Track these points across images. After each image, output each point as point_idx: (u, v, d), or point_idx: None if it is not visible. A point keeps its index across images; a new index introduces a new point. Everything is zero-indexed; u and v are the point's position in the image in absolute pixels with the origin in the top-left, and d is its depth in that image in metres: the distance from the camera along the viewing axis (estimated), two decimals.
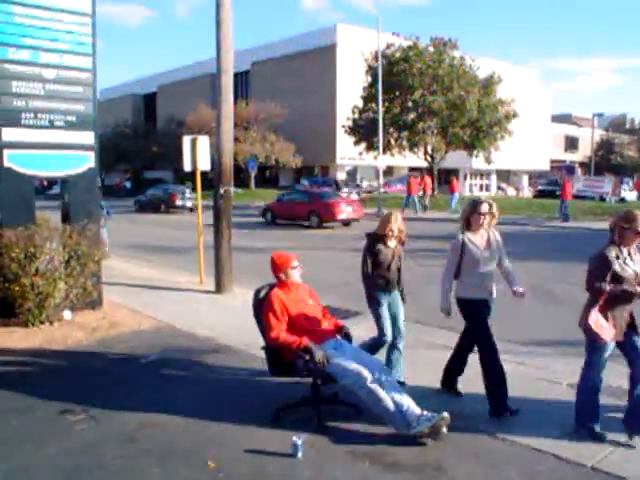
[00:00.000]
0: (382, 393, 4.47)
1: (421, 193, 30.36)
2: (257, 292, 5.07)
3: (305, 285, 5.22)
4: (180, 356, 6.55)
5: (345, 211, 23.05)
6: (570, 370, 5.63)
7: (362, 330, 7.18)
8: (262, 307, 4.92)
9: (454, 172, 54.85)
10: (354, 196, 30.35)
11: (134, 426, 4.72)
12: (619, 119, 78.61)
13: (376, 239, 5.63)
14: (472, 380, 5.41)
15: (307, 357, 4.57)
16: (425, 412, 4.44)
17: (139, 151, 54.93)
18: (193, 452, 4.29)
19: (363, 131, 37.84)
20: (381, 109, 32.18)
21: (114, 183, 45.20)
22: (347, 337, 5.10)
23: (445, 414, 4.40)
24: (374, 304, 5.61)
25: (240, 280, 10.07)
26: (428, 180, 31.59)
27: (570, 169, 55.63)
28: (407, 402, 4.48)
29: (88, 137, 8.38)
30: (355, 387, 4.56)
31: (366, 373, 4.52)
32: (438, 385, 5.50)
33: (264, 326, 4.86)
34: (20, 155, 7.75)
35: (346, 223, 23.45)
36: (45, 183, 37.47)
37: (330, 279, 10.83)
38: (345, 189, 33.23)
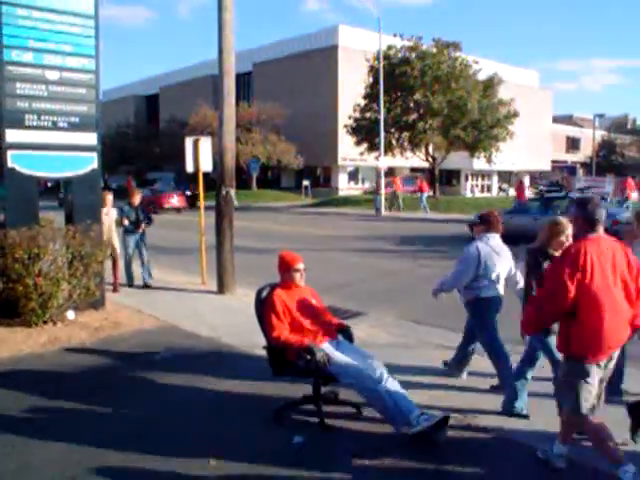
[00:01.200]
0: (382, 393, 4.50)
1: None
2: (259, 292, 5.10)
3: (307, 286, 5.26)
4: (183, 356, 6.59)
5: (170, 202, 33.28)
6: None
7: (362, 331, 7.25)
8: (264, 307, 4.96)
9: (455, 173, 54.99)
10: (188, 192, 36.10)
11: (137, 425, 4.76)
12: (621, 120, 78.52)
13: (542, 255, 4.76)
14: (477, 381, 5.46)
15: (309, 357, 4.61)
16: (425, 412, 4.48)
17: (142, 152, 54.96)
18: (194, 451, 4.32)
19: (365, 131, 37.93)
20: (382, 110, 32.26)
21: (125, 183, 44.65)
22: (349, 337, 5.15)
23: (445, 414, 4.44)
24: (542, 333, 4.63)
25: (240, 280, 10.11)
26: (398, 181, 34.30)
27: (571, 170, 55.62)
28: (407, 402, 4.51)
29: (91, 138, 8.42)
30: (356, 387, 4.60)
31: (367, 373, 4.56)
32: (439, 383, 5.54)
33: (266, 326, 4.89)
34: (24, 156, 7.80)
35: (178, 210, 32.70)
36: None
37: (331, 279, 10.88)
38: (181, 187, 38.37)
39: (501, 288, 5.57)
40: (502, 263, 5.53)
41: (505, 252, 5.61)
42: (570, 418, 3.95)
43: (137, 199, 10.69)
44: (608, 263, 3.75)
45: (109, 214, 9.92)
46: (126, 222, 10.39)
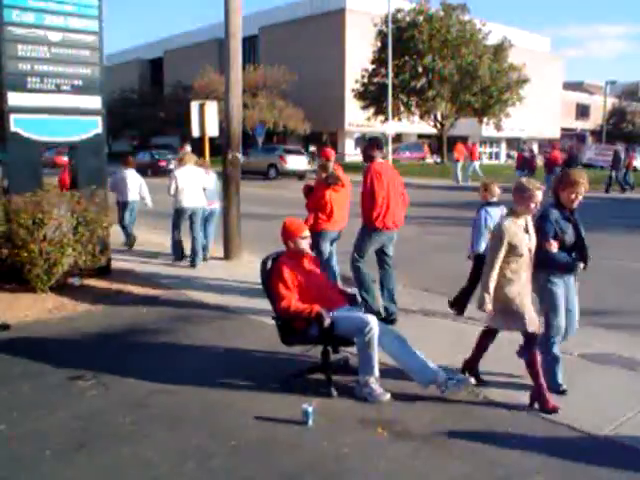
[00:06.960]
0: (406, 350, 4.64)
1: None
2: (264, 261, 4.99)
3: (311, 254, 5.17)
4: (190, 323, 6.54)
5: None
6: (580, 340, 5.59)
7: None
8: (271, 276, 4.85)
9: (463, 140, 54.44)
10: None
11: (144, 392, 4.73)
12: (632, 87, 77.18)
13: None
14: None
15: (319, 324, 4.52)
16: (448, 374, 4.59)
17: (146, 117, 54.40)
18: (203, 419, 4.29)
19: (372, 96, 37.52)
20: (390, 74, 31.76)
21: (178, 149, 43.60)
22: (356, 304, 5.10)
23: (471, 380, 4.58)
24: None
25: (247, 246, 10.03)
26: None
27: (581, 137, 54.98)
28: (429, 366, 4.59)
29: (95, 102, 8.26)
30: (373, 339, 4.55)
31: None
32: (448, 352, 5.48)
33: (274, 296, 4.78)
34: (27, 120, 7.65)
35: None
36: None
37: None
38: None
39: None
40: None
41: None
42: None
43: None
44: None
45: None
46: None
